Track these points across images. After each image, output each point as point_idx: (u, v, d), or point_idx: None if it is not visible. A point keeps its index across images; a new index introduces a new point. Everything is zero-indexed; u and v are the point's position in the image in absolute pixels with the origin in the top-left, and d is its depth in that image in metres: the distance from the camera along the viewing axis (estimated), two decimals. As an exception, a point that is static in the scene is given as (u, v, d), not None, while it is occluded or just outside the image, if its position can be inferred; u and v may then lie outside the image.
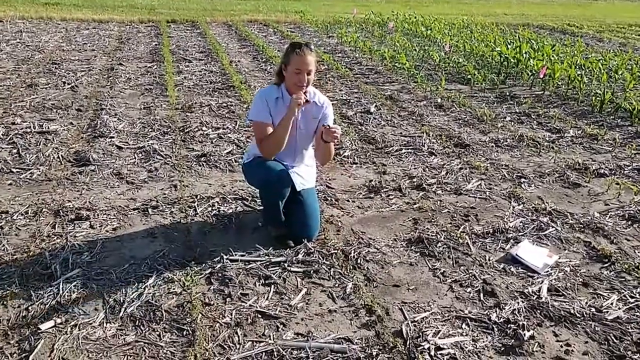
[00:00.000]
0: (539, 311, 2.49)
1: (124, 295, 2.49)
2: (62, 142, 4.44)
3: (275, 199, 2.92)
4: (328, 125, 2.86)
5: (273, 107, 2.91)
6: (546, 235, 3.23)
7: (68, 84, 6.29)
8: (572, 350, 2.26)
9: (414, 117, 5.60)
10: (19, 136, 4.50)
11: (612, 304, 2.57)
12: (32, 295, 2.46)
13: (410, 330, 2.32)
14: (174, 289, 2.56)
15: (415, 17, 13.61)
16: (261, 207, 3.32)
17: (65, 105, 5.44)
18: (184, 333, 2.27)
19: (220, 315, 2.39)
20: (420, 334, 2.29)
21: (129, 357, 2.13)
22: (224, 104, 5.70)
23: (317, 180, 3.53)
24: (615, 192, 3.90)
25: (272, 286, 2.62)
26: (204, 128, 4.90)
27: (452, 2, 22.07)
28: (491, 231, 3.24)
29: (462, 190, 3.82)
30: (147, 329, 2.29)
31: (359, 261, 2.86)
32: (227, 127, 4.97)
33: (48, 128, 4.73)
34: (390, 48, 9.44)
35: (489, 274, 2.80)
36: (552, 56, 8.12)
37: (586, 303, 2.57)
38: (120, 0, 15.44)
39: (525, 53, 7.93)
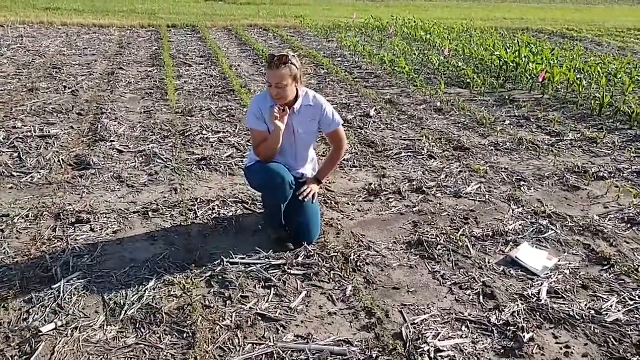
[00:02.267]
0: (538, 313, 2.50)
1: (125, 298, 2.49)
2: (62, 146, 4.46)
3: (277, 202, 2.93)
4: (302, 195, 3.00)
5: (267, 116, 2.93)
6: (546, 238, 3.24)
7: (69, 88, 6.31)
8: (572, 353, 2.26)
9: (413, 121, 5.61)
10: (20, 140, 4.51)
11: (611, 306, 2.57)
12: (33, 298, 2.47)
13: (410, 332, 2.32)
14: (174, 291, 2.57)
15: (414, 22, 13.66)
16: (261, 210, 3.34)
17: (66, 110, 5.46)
18: (185, 336, 2.27)
19: (221, 318, 2.39)
20: (420, 336, 2.29)
21: (129, 359, 2.13)
22: (224, 108, 5.72)
23: (317, 184, 3.53)
24: (614, 195, 3.90)
25: (272, 289, 2.63)
26: (204, 132, 4.92)
27: (452, 6, 22.15)
28: (491, 234, 3.25)
29: (462, 193, 3.83)
30: (148, 331, 2.29)
31: (358, 264, 2.87)
32: (227, 131, 4.99)
33: (49, 132, 4.75)
34: (389, 52, 9.47)
35: (488, 277, 2.80)
36: (552, 60, 8.14)
37: (586, 305, 2.57)
38: (120, 5, 15.49)
39: (525, 57, 7.95)
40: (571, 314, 2.49)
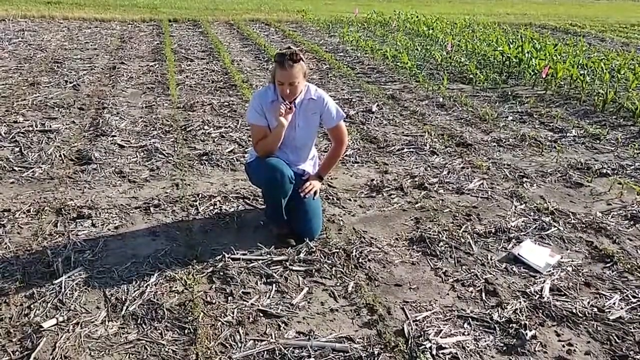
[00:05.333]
0: (541, 311, 2.49)
1: (126, 294, 2.49)
2: (64, 140, 4.45)
3: (277, 197, 2.92)
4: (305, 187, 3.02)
5: (268, 111, 2.94)
6: (548, 234, 3.23)
7: (70, 82, 6.29)
8: (574, 350, 2.26)
9: (415, 117, 5.59)
10: (21, 135, 4.50)
11: (614, 303, 2.56)
12: (34, 293, 2.46)
13: (412, 329, 2.31)
14: (175, 287, 2.57)
15: (417, 17, 13.60)
16: (263, 206, 3.33)
17: (67, 104, 5.45)
18: (186, 331, 2.27)
19: (222, 314, 2.39)
20: (422, 333, 2.29)
21: (130, 355, 2.13)
22: (226, 103, 5.70)
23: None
24: (617, 192, 3.89)
25: (274, 285, 2.62)
26: (205, 127, 4.91)
27: (454, 1, 22.04)
28: (493, 231, 3.23)
29: (464, 189, 3.81)
30: (149, 327, 2.29)
31: (360, 260, 2.86)
32: (229, 126, 4.97)
33: (50, 127, 4.74)
34: (392, 47, 9.43)
35: (490, 274, 2.79)
36: (555, 56, 8.10)
37: (588, 303, 2.56)
38: (122, -1, 15.44)
39: (528, 52, 7.92)
40: (574, 311, 2.48)
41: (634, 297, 2.63)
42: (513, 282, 2.73)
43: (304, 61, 2.86)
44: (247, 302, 2.48)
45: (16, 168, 3.85)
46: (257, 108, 2.95)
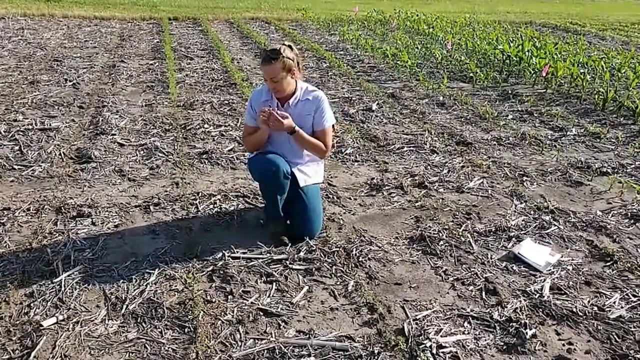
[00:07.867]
0: (541, 310, 2.49)
1: (126, 292, 2.49)
2: (64, 139, 4.44)
3: (273, 191, 2.93)
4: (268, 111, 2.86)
5: (259, 111, 2.93)
6: (548, 233, 3.23)
7: (70, 81, 6.29)
8: (575, 349, 2.25)
9: (415, 115, 5.59)
10: (21, 133, 4.50)
11: (614, 302, 2.56)
12: (34, 292, 2.46)
13: (412, 328, 2.31)
14: (175, 286, 2.56)
15: (417, 15, 13.58)
16: (263, 205, 3.32)
17: (67, 103, 5.44)
18: (186, 330, 2.27)
19: (222, 313, 2.39)
20: (422, 332, 2.29)
21: (130, 354, 2.13)
22: (226, 102, 5.69)
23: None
24: (617, 191, 3.88)
25: (274, 284, 2.62)
26: (205, 125, 4.90)
27: (455, -1, 22.00)
28: (493, 229, 3.23)
29: (464, 188, 3.81)
30: (149, 326, 2.29)
31: (360, 259, 2.86)
32: (229, 125, 4.97)
33: (50, 125, 4.73)
34: (392, 46, 9.42)
35: (491, 273, 2.79)
36: (555, 54, 8.08)
37: (588, 302, 2.56)
38: (122, -2, 15.40)
39: (528, 51, 7.90)
40: (574, 310, 2.48)
41: (634, 296, 2.62)
42: (513, 281, 2.73)
43: (290, 57, 2.81)
44: (247, 300, 2.48)
45: (16, 166, 3.85)
46: (250, 110, 3.04)
